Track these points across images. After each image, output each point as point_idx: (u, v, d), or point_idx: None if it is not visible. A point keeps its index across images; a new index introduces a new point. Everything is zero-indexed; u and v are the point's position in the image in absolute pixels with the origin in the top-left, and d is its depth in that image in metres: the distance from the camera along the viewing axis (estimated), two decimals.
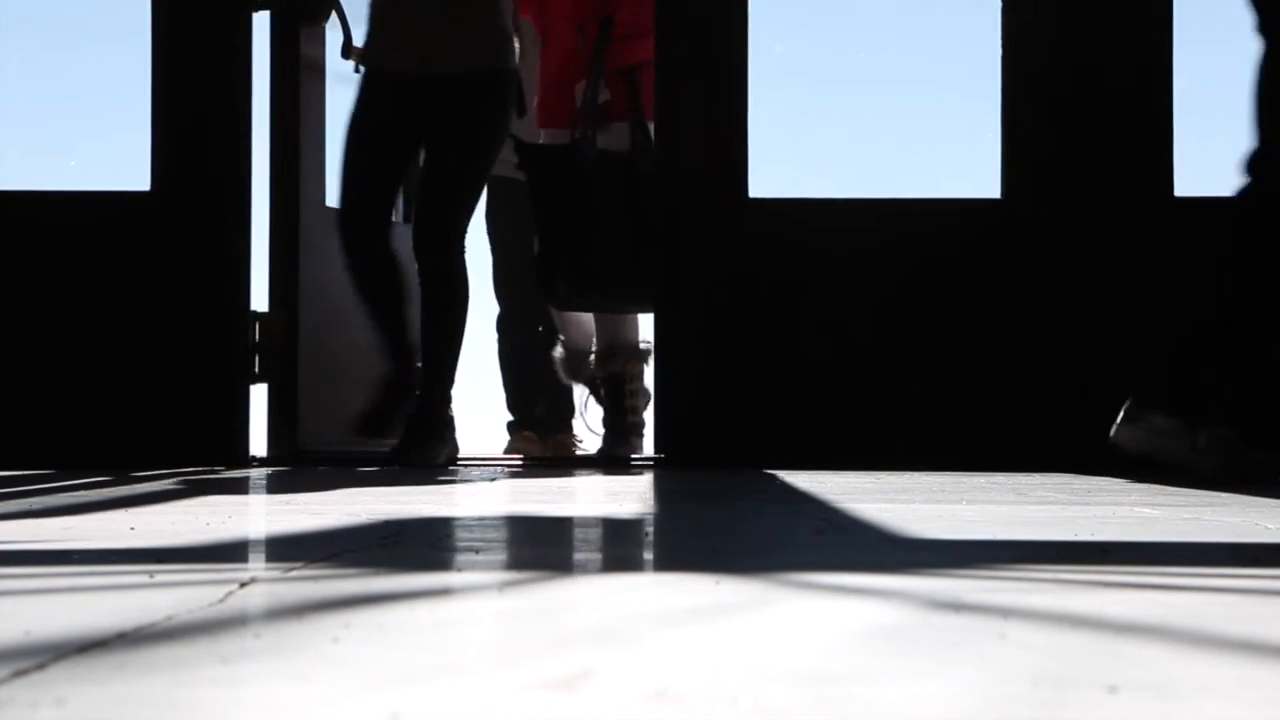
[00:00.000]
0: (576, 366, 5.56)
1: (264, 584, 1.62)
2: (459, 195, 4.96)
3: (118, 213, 5.09)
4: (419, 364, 4.95)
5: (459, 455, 5.06)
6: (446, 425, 4.96)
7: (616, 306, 5.36)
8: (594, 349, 5.52)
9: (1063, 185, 5.15)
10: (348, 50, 5.28)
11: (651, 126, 5.21)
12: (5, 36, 5.65)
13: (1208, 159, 5.54)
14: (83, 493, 3.28)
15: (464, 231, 5.01)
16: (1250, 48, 4.01)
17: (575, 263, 5.13)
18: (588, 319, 5.52)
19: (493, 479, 4.22)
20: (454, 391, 5.03)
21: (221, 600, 1.47)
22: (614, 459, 5.39)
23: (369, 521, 2.57)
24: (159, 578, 1.67)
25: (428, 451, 4.84)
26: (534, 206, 5.21)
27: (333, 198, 5.36)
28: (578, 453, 6.03)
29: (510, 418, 6.06)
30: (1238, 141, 4.03)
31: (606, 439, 5.55)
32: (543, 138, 5.38)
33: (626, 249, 5.14)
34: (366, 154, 4.96)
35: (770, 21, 5.37)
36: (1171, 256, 5.12)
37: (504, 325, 6.07)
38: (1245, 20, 4.00)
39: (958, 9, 5.83)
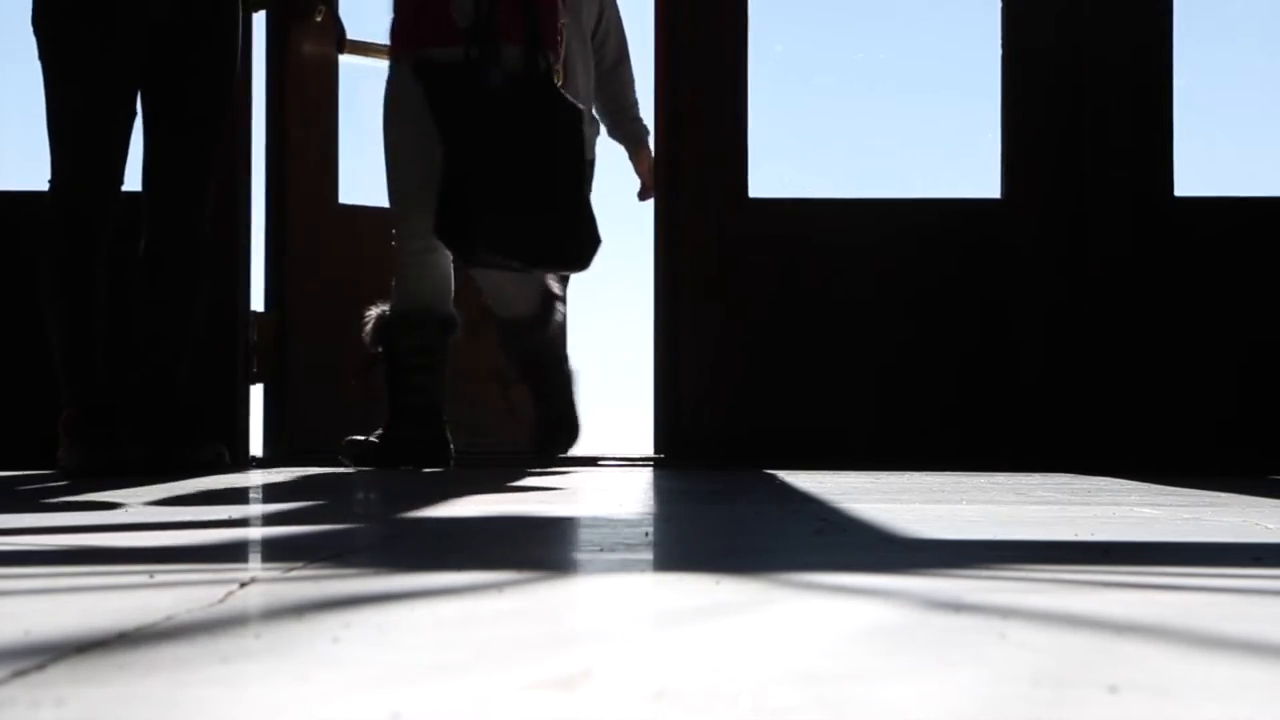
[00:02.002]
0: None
1: (264, 584, 1.62)
2: (215, 132, 4.22)
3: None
4: (149, 355, 4.23)
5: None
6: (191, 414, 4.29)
7: (536, 266, 4.51)
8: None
9: (1063, 185, 5.15)
10: (341, 45, 5.27)
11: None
12: (5, 36, 5.64)
13: (1208, 159, 5.54)
14: (83, 493, 3.28)
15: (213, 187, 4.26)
16: (1250, 48, 4.01)
17: (490, 211, 4.26)
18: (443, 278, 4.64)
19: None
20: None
21: (221, 600, 1.47)
22: (552, 456, 4.77)
23: (369, 522, 2.57)
24: (159, 578, 1.67)
25: (198, 450, 4.23)
26: (442, 139, 4.35)
27: (346, 195, 5.36)
28: None
29: None
30: (1238, 141, 4.04)
31: (542, 428, 4.76)
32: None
33: (550, 197, 4.30)
34: (92, 78, 4.02)
35: (770, 21, 5.37)
36: (1171, 256, 5.12)
37: None
38: (1245, 20, 4.00)
39: (958, 9, 5.83)
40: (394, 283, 4.59)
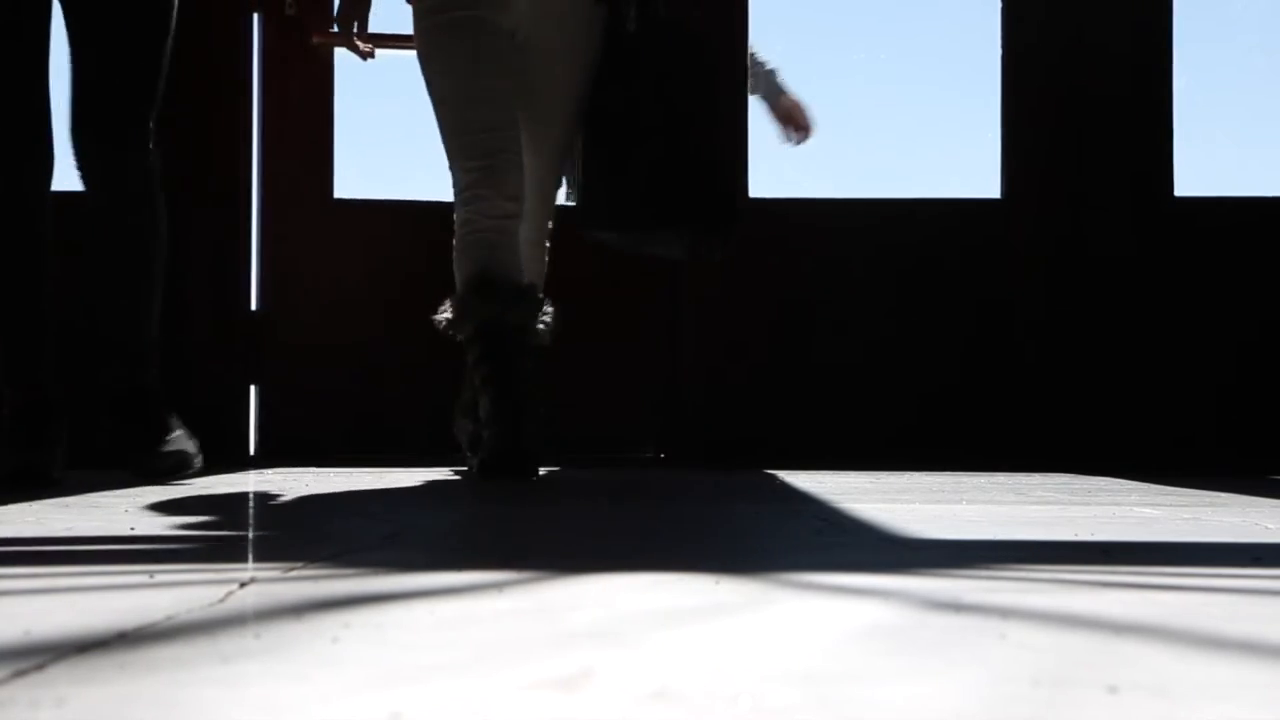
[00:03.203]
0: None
1: (264, 584, 1.62)
2: (154, 60, 3.66)
3: None
4: (119, 334, 3.81)
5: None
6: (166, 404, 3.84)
7: (639, 244, 4.00)
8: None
9: (1063, 185, 5.15)
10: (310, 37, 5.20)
11: None
12: None
13: (1208, 159, 5.54)
14: (82, 493, 3.28)
15: (153, 117, 3.69)
16: (1250, 48, 4.01)
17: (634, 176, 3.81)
18: None
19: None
20: None
21: (221, 600, 1.47)
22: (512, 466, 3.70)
23: (369, 521, 2.57)
24: (159, 578, 1.67)
25: (182, 452, 3.75)
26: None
27: (341, 189, 5.34)
28: None
29: None
30: (1238, 141, 4.04)
31: (499, 433, 3.67)
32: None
33: (670, 160, 3.84)
34: None
35: (770, 22, 5.37)
36: (1171, 256, 5.12)
37: None
38: (1245, 20, 4.00)
39: (958, 9, 5.83)
40: (462, 248, 3.78)
